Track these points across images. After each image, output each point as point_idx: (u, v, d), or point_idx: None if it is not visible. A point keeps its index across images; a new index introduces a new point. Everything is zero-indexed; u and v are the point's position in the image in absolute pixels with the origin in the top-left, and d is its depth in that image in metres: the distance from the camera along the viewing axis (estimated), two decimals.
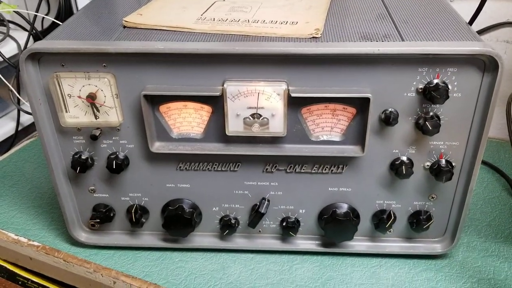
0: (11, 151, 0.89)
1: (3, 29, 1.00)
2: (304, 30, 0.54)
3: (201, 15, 0.59)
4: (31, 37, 1.01)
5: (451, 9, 0.61)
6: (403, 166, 0.55)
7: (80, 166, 0.57)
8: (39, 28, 1.15)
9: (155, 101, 0.54)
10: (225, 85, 0.52)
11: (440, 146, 0.55)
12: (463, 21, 0.56)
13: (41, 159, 0.86)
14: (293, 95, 0.52)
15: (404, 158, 0.56)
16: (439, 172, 0.55)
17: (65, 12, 1.18)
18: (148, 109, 0.54)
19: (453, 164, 0.56)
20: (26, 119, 1.04)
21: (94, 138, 0.56)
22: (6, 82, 0.95)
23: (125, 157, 0.58)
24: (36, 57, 0.52)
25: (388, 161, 0.57)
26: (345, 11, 0.61)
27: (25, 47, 0.99)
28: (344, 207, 0.60)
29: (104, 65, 0.52)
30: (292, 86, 0.52)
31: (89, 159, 0.58)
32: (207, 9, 0.62)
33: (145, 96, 0.53)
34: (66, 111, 0.56)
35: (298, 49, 0.50)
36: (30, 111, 1.00)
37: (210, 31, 0.55)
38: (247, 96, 0.53)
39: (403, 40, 0.51)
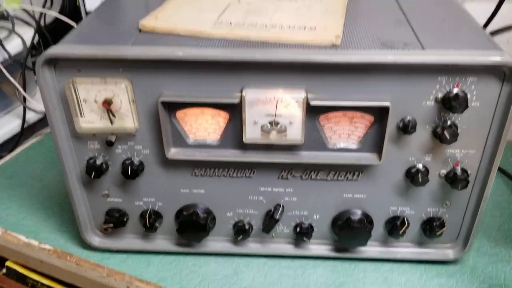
0: (17, 150, 0.89)
1: (7, 24, 0.99)
2: (323, 36, 0.53)
3: (218, 18, 0.59)
4: (35, 33, 1.00)
5: (468, 14, 0.60)
6: (419, 174, 0.55)
7: (95, 171, 0.57)
8: (41, 22, 1.14)
9: (172, 107, 0.54)
10: (243, 92, 0.52)
11: (456, 154, 0.55)
12: (480, 28, 0.56)
13: (49, 158, 0.86)
14: (312, 103, 0.52)
15: (420, 166, 0.56)
16: (455, 180, 0.55)
17: (69, 6, 1.16)
18: (165, 115, 0.54)
19: (469, 172, 0.56)
20: (31, 116, 1.04)
21: (110, 144, 0.55)
22: (12, 80, 0.94)
23: (140, 162, 0.58)
24: (52, 63, 0.51)
25: (404, 168, 0.57)
26: (362, 16, 0.61)
27: (31, 44, 0.98)
28: (358, 214, 0.60)
29: (122, 71, 0.52)
30: (310, 93, 0.52)
31: (103, 164, 0.57)
32: (223, 11, 0.61)
33: (163, 103, 0.52)
34: (82, 116, 0.55)
35: (320, 57, 0.49)
36: (36, 108, 1.00)
37: (228, 36, 0.54)
38: (265, 103, 0.52)
39: (423, 48, 0.51)
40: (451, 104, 0.50)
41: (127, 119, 0.55)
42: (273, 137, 0.54)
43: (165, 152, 0.56)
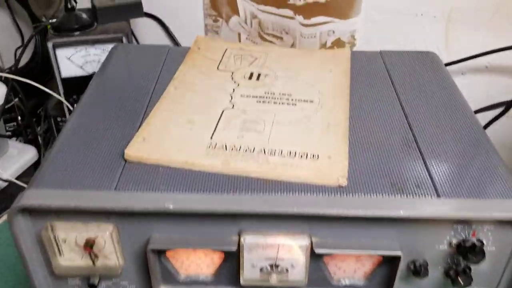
0: None
1: None
2: (327, 173, 0.49)
3: (211, 137, 0.54)
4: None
5: (481, 132, 0.57)
6: None
7: None
8: (12, 59, 1.06)
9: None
10: (242, 238, 0.47)
11: None
12: (498, 158, 0.52)
13: None
14: (317, 251, 0.47)
15: None
16: None
17: (42, 52, 1.09)
18: (154, 258, 0.49)
19: None
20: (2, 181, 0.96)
21: (92, 287, 0.50)
22: None
23: None
24: (27, 210, 0.46)
25: None
26: (365, 130, 0.56)
27: (3, 106, 0.90)
28: None
29: (107, 218, 0.46)
30: (315, 238, 0.48)
31: None
32: (217, 125, 0.56)
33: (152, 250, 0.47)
34: (61, 255, 0.50)
35: (326, 210, 0.45)
36: (6, 178, 0.92)
37: (223, 171, 0.49)
38: (265, 248, 0.48)
39: (437, 193, 0.47)
40: (467, 255, 0.46)
41: (111, 258, 0.50)
42: (274, 281, 0.49)
43: None
